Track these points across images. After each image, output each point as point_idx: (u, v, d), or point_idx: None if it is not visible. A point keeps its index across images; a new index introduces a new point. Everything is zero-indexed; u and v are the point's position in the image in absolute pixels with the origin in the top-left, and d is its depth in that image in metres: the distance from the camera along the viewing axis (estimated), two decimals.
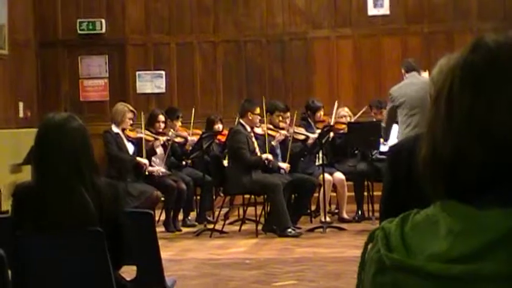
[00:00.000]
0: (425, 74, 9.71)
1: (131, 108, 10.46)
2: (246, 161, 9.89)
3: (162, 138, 10.57)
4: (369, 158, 10.69)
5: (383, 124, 9.72)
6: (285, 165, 10.27)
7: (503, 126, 1.18)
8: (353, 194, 11.00)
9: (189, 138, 11.05)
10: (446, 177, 1.22)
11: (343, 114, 11.31)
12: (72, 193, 3.73)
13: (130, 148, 10.29)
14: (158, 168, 10.37)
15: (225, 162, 10.41)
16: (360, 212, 10.87)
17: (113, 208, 3.82)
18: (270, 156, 10.10)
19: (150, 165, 10.38)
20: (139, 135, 10.35)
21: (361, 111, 11.26)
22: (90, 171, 3.78)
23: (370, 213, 10.67)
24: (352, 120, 11.23)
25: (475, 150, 1.19)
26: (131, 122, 10.38)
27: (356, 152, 11.20)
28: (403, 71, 9.63)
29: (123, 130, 10.26)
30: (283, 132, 10.49)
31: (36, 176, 3.82)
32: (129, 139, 10.30)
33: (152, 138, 10.44)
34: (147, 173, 10.17)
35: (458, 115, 1.21)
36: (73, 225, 3.76)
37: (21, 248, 3.82)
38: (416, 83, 9.19)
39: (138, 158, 10.18)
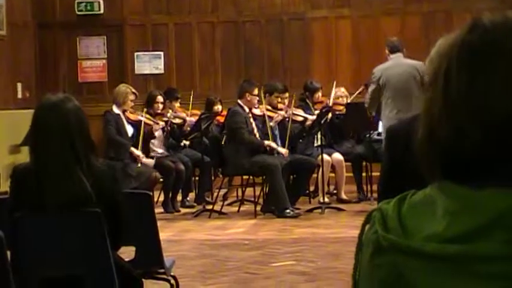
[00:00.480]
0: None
1: (133, 90, 10.45)
2: (245, 141, 9.88)
3: (162, 123, 10.55)
4: (366, 139, 10.71)
5: (365, 104, 9.66)
6: (284, 151, 10.23)
7: (499, 106, 1.18)
8: (351, 174, 11.02)
9: (188, 119, 11.04)
10: (443, 158, 1.22)
11: (339, 95, 11.30)
12: (68, 174, 3.73)
13: (130, 130, 10.28)
14: (151, 160, 10.31)
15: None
16: (360, 193, 10.89)
17: (110, 189, 3.82)
18: (273, 144, 10.08)
19: (147, 150, 10.36)
20: (139, 118, 10.33)
21: (357, 92, 11.24)
22: (86, 152, 3.78)
23: (369, 194, 10.70)
24: (349, 100, 11.23)
25: (472, 130, 1.19)
26: (132, 104, 10.37)
27: (352, 135, 11.19)
28: (386, 51, 9.59)
29: (124, 112, 10.26)
30: (281, 112, 10.49)
31: (33, 157, 3.83)
32: (129, 121, 10.29)
33: (152, 123, 10.42)
34: (139, 165, 10.09)
35: (455, 94, 1.21)
36: (70, 206, 3.77)
37: (19, 229, 3.83)
38: (400, 64, 9.21)
39: (132, 149, 10.13)
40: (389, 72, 9.25)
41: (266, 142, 10.04)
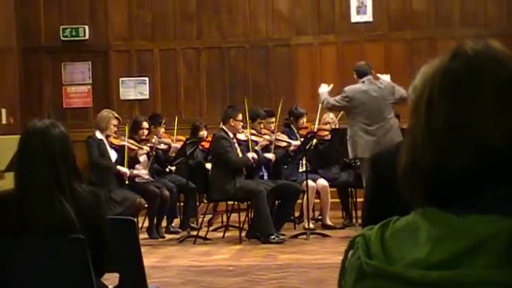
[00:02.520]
0: (384, 77, 9.83)
1: (116, 115, 10.45)
2: (234, 163, 9.88)
3: (146, 148, 10.55)
4: (350, 167, 10.75)
5: (325, 104, 9.92)
6: (271, 155, 10.30)
7: (482, 133, 1.19)
8: (336, 200, 11.03)
9: (173, 144, 11.03)
10: (426, 184, 1.23)
11: (327, 121, 11.35)
12: (51, 201, 3.71)
13: (113, 155, 10.26)
14: (143, 171, 10.33)
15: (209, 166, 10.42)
16: (347, 219, 10.92)
17: (94, 215, 3.81)
18: (255, 155, 10.12)
19: (133, 178, 10.36)
20: (122, 143, 10.33)
21: (338, 117, 11.31)
22: (70, 179, 3.76)
23: (354, 220, 10.70)
24: (337, 126, 11.28)
25: (454, 157, 1.20)
26: (115, 129, 10.36)
27: (336, 161, 11.22)
28: (355, 76, 9.80)
29: (107, 137, 10.25)
30: (267, 137, 10.52)
31: (17, 183, 3.81)
32: (112, 146, 10.28)
33: (136, 147, 10.41)
34: (127, 182, 10.12)
35: (438, 122, 1.22)
36: (53, 232, 3.75)
37: (1, 256, 3.80)
38: (370, 90, 9.39)
39: (119, 167, 10.15)
40: (360, 97, 9.45)
41: (249, 154, 10.05)
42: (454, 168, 1.20)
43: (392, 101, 9.60)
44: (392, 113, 9.67)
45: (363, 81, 9.63)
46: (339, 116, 11.30)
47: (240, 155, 10.13)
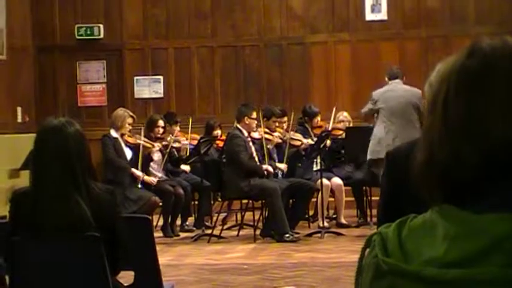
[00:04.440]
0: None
1: (131, 114, 10.46)
2: (245, 165, 9.89)
3: (160, 145, 10.56)
4: (364, 165, 10.71)
5: (360, 115, 10.13)
6: (282, 166, 10.32)
7: (498, 130, 1.18)
8: (351, 198, 11.01)
9: (183, 142, 11.02)
10: (443, 182, 1.22)
11: (342, 119, 11.34)
12: (67, 199, 3.72)
13: (128, 154, 10.29)
14: (152, 179, 10.31)
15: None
16: (362, 218, 10.90)
17: (109, 213, 3.81)
18: (270, 168, 10.11)
19: (146, 173, 10.37)
20: (138, 141, 10.34)
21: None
22: (86, 177, 3.77)
23: (368, 218, 10.68)
24: (351, 125, 11.26)
25: (471, 154, 1.19)
26: (130, 127, 10.38)
27: (343, 158, 11.19)
28: (386, 78, 9.89)
29: (122, 135, 10.27)
30: (277, 134, 10.52)
31: (33, 181, 3.82)
32: (127, 145, 10.30)
33: (150, 146, 10.43)
34: (139, 186, 10.14)
35: (454, 119, 1.21)
36: (69, 230, 3.76)
37: (18, 254, 3.82)
38: (397, 90, 9.47)
39: (133, 170, 10.16)
40: (386, 97, 9.47)
41: (264, 166, 10.06)
42: (471, 164, 1.19)
43: (418, 105, 9.60)
44: (417, 116, 9.65)
45: (390, 84, 9.71)
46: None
47: (254, 153, 10.12)
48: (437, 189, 1.23)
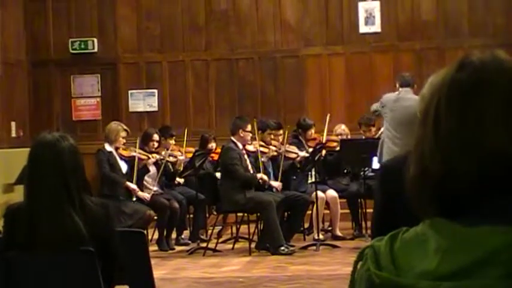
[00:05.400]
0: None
1: (125, 127, 10.47)
2: (240, 177, 9.88)
3: (155, 156, 10.57)
4: (360, 177, 10.70)
5: (371, 109, 10.00)
6: (277, 184, 10.30)
7: (489, 143, 1.19)
8: (346, 211, 11.01)
9: (180, 157, 11.01)
10: (435, 194, 1.22)
11: (339, 132, 11.35)
12: (61, 213, 3.72)
13: (124, 167, 10.28)
14: (146, 195, 10.30)
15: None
16: (357, 230, 10.89)
17: (104, 228, 3.81)
18: (264, 176, 10.12)
19: (141, 187, 10.37)
20: (132, 154, 10.35)
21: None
22: (80, 192, 3.77)
23: (364, 231, 10.67)
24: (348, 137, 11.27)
25: (462, 167, 1.19)
26: (124, 141, 10.38)
27: (346, 171, 11.20)
28: (397, 84, 9.65)
29: (116, 149, 10.27)
30: (273, 148, 10.51)
31: (27, 196, 3.82)
32: (122, 158, 10.30)
33: (145, 157, 10.44)
34: (134, 199, 10.16)
35: (445, 132, 1.22)
36: (63, 245, 3.75)
37: (12, 269, 3.81)
38: (406, 99, 9.20)
39: (128, 183, 10.16)
40: (394, 105, 9.30)
41: (259, 175, 10.07)
42: (463, 178, 1.20)
43: None
44: None
45: (400, 91, 9.52)
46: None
47: (250, 166, 10.12)
48: (429, 201, 1.23)
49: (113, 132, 10.30)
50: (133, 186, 10.18)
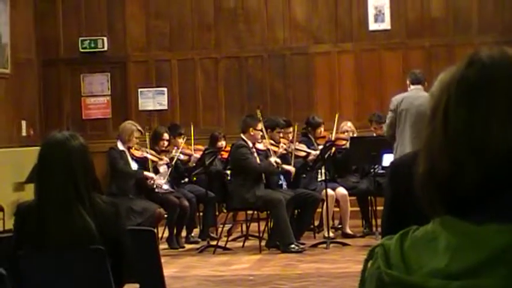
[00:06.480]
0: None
1: (139, 127, 10.46)
2: (255, 168, 9.89)
3: (166, 159, 10.59)
4: (370, 175, 10.68)
5: (384, 131, 9.59)
6: (290, 168, 10.32)
7: (498, 140, 1.18)
8: (356, 208, 11.00)
9: (195, 155, 11.01)
10: (444, 192, 1.22)
11: (345, 129, 11.34)
12: (71, 212, 3.73)
13: (134, 167, 10.30)
14: (163, 181, 10.40)
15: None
16: (367, 228, 10.87)
17: (113, 226, 3.82)
18: (278, 160, 10.14)
19: (152, 189, 10.40)
20: (145, 154, 10.36)
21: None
22: (90, 190, 3.78)
23: (374, 228, 10.66)
24: (354, 135, 11.24)
25: (471, 164, 1.19)
26: (137, 141, 10.40)
27: (354, 168, 11.17)
28: (407, 81, 9.53)
29: (129, 148, 10.28)
30: (282, 145, 10.51)
31: (37, 194, 3.83)
32: (133, 158, 10.31)
33: (156, 159, 10.46)
34: (155, 186, 10.22)
35: (454, 130, 1.21)
36: (73, 243, 3.76)
37: (22, 267, 3.82)
38: (418, 97, 9.07)
39: (145, 172, 10.23)
40: (406, 102, 9.15)
41: (272, 159, 10.07)
42: (470, 175, 1.19)
43: None
44: None
45: (411, 89, 9.37)
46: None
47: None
48: (438, 199, 1.23)
49: (127, 131, 10.30)
50: (151, 174, 10.23)
